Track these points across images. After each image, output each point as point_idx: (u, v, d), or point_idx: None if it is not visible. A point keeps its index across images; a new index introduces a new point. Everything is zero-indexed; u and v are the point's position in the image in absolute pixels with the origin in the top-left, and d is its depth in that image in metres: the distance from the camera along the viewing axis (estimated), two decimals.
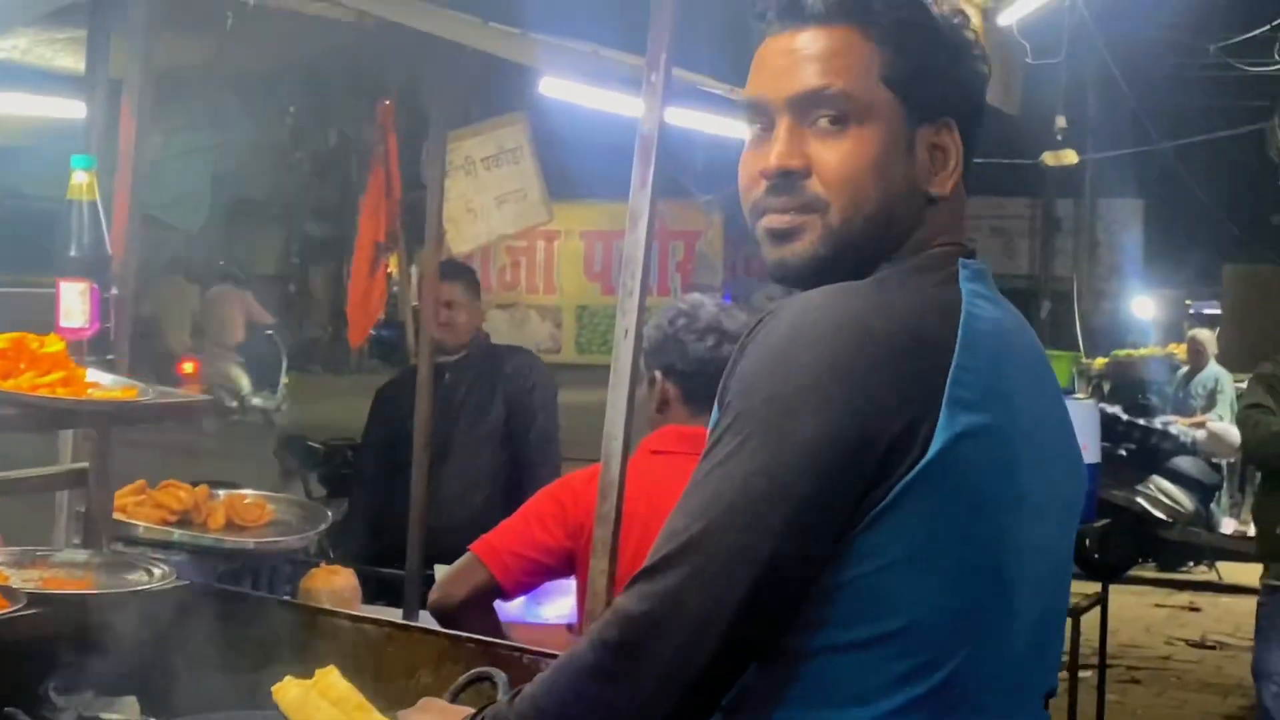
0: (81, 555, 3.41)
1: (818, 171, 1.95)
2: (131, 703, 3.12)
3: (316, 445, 9.79)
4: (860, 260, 1.96)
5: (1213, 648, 11.04)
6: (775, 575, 1.79)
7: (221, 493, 4.02)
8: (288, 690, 2.69)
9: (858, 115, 1.94)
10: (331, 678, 2.74)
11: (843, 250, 1.95)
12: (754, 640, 1.82)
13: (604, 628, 1.84)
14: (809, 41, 1.97)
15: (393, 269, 7.07)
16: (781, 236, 1.98)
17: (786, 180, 1.96)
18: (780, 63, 1.99)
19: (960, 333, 1.86)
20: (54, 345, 3.03)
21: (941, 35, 1.99)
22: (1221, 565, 13.39)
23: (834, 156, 1.95)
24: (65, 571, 3.27)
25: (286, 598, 3.85)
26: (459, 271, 6.29)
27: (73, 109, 5.16)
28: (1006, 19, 7.37)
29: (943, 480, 1.81)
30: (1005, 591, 1.91)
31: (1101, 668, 7.52)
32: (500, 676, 2.56)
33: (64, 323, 3.20)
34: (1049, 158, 8.78)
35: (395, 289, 7.34)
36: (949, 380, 1.82)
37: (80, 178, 3.24)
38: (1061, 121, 8.68)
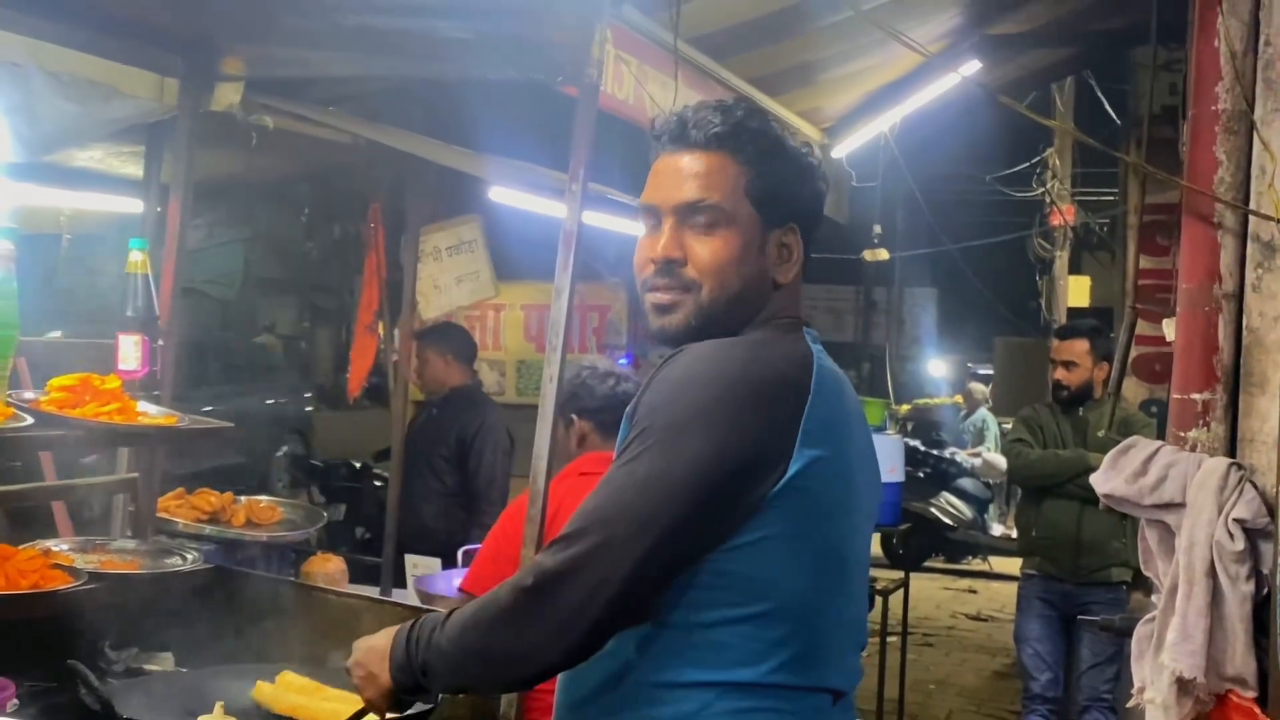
0: (131, 543, 3.34)
1: (692, 261, 1.95)
2: (168, 657, 3.05)
3: (318, 463, 9.66)
4: (722, 329, 1.95)
5: (985, 620, 11.09)
6: (659, 556, 1.78)
7: (243, 498, 3.95)
8: (262, 690, 2.64)
9: (725, 221, 1.95)
10: (289, 676, 2.69)
11: (709, 322, 1.95)
12: (637, 606, 1.81)
13: (521, 577, 1.82)
14: (691, 162, 1.97)
15: (380, 331, 6.97)
16: (664, 309, 1.98)
17: (669, 266, 1.96)
18: (668, 177, 1.99)
19: (814, 380, 1.87)
20: (113, 383, 2.98)
21: (791, 161, 2.00)
22: (993, 559, 13.49)
23: (706, 250, 1.95)
24: (118, 556, 3.21)
25: (291, 578, 3.78)
26: (429, 335, 6.23)
27: (132, 205, 5.08)
28: (839, 152, 7.44)
29: (798, 494, 1.81)
30: (844, 575, 1.93)
31: (904, 635, 7.52)
32: None
33: (121, 366, 3.15)
34: (868, 254, 8.88)
35: (382, 346, 7.23)
36: (804, 417, 1.82)
37: (136, 256, 3.19)
38: (878, 228, 8.79)
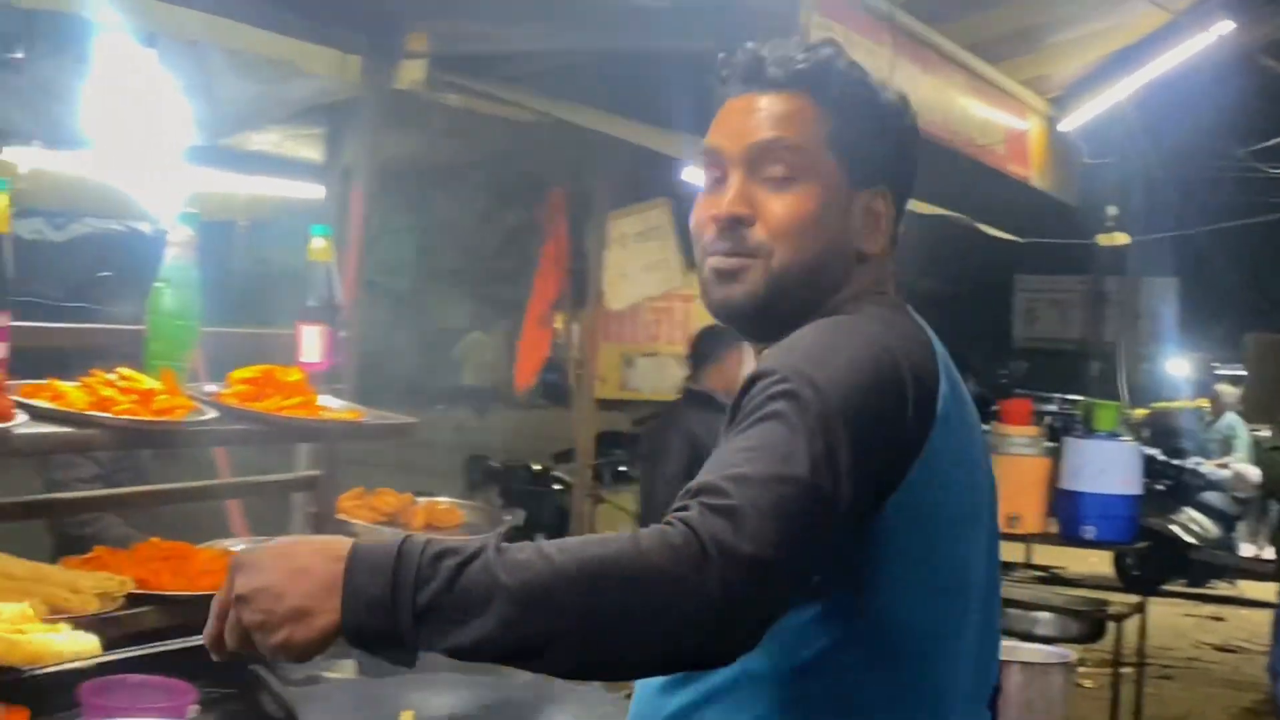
0: None
1: (763, 220, 1.77)
2: (349, 665, 3.15)
3: (496, 465, 9.87)
4: (794, 304, 1.79)
5: (1233, 651, 10.75)
6: (853, 509, 1.57)
7: (422, 499, 4.06)
8: None
9: (804, 172, 1.77)
10: None
11: (779, 294, 1.78)
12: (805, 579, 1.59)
13: (692, 535, 1.48)
14: (767, 104, 1.80)
15: (558, 325, 7.10)
16: (727, 277, 1.80)
17: (735, 226, 1.78)
18: (740, 119, 1.82)
19: (940, 365, 1.73)
20: (295, 375, 3.07)
21: (883, 112, 1.84)
22: (1242, 583, 13.03)
23: (780, 208, 1.77)
24: None
25: None
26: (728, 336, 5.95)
27: (309, 190, 5.27)
28: (1067, 125, 7.26)
29: (921, 501, 1.66)
30: (966, 603, 1.77)
31: (1140, 665, 7.33)
32: None
33: (303, 358, 3.24)
34: (1102, 239, 8.65)
35: (560, 340, 7.36)
36: (937, 406, 1.68)
37: (319, 243, 3.29)
38: (1113, 210, 8.54)
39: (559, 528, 8.89)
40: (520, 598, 1.42)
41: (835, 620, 1.66)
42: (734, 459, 1.55)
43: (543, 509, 9.33)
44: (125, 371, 2.74)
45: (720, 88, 1.88)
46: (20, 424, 2.39)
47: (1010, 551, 10.09)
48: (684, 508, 1.51)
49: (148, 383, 2.73)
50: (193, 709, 2.61)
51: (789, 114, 1.79)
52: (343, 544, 1.48)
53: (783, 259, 1.77)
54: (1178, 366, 24.06)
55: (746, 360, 5.61)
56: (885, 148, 1.84)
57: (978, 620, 1.79)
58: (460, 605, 1.43)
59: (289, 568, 1.46)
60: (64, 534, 4.42)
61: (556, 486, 9.36)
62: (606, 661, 1.50)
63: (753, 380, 1.64)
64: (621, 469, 9.53)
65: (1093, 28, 6.34)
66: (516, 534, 7.05)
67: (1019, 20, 5.95)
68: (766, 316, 1.80)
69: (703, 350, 5.73)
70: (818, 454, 1.53)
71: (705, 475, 1.55)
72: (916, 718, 1.71)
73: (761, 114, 1.80)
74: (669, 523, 1.49)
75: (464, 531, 3.99)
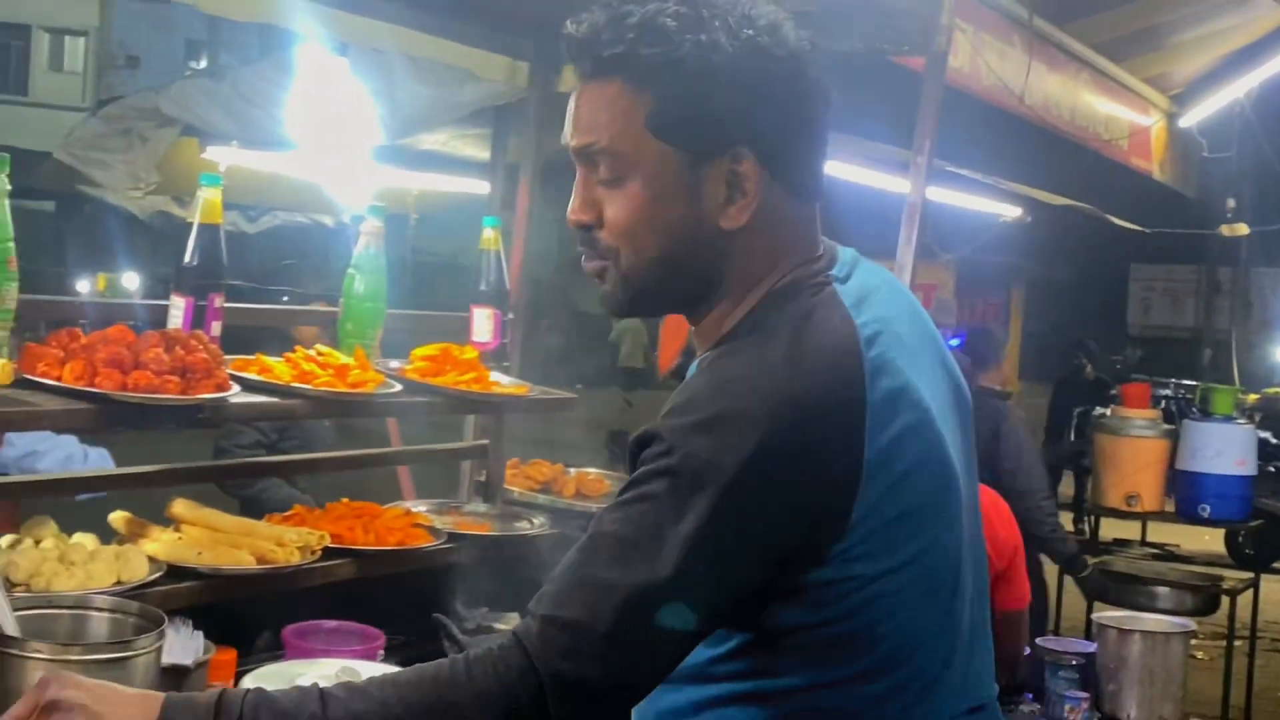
0: (482, 507, 3.55)
1: (606, 223, 1.57)
2: (514, 617, 3.23)
3: None
4: (668, 294, 1.62)
5: None
6: (710, 619, 1.47)
7: (573, 470, 4.14)
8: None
9: (627, 168, 1.54)
10: None
11: (639, 292, 1.60)
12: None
13: (514, 666, 1.42)
14: (584, 100, 1.57)
15: None
16: (594, 278, 1.62)
17: (585, 231, 1.60)
18: (569, 118, 1.60)
19: (866, 374, 1.47)
20: (469, 353, 3.18)
21: (717, 72, 1.50)
22: None
23: (614, 209, 1.56)
24: (471, 518, 3.41)
25: None
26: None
27: (473, 186, 5.38)
28: (1188, 121, 7.12)
29: (879, 529, 1.46)
30: (956, 586, 1.58)
31: (1253, 639, 7.16)
32: None
33: (475, 338, 3.34)
34: (1225, 230, 8.45)
35: None
36: (866, 439, 1.44)
37: (489, 233, 3.39)
38: (1231, 202, 8.35)
39: None
40: None
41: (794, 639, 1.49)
42: (592, 554, 1.44)
43: None
44: (323, 348, 2.86)
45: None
46: (234, 394, 2.51)
47: (1127, 529, 9.89)
48: (528, 623, 1.42)
49: (342, 358, 2.84)
50: (380, 653, 2.71)
51: (600, 109, 1.55)
52: (156, 696, 1.43)
53: (627, 259, 1.57)
54: None
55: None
56: (734, 107, 1.52)
57: (961, 622, 1.59)
58: None
59: (110, 698, 1.43)
60: (233, 495, 4.62)
61: None
62: None
63: (641, 444, 1.47)
64: None
65: (1213, 27, 6.21)
66: None
67: (1143, 20, 5.85)
68: (644, 307, 1.66)
69: (980, 354, 5.83)
70: (689, 546, 1.39)
71: (557, 579, 1.44)
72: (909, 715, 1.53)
73: (579, 112, 1.58)
74: (506, 643, 1.42)
75: (609, 500, 4.06)
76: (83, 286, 17.43)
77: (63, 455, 3.93)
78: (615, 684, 1.43)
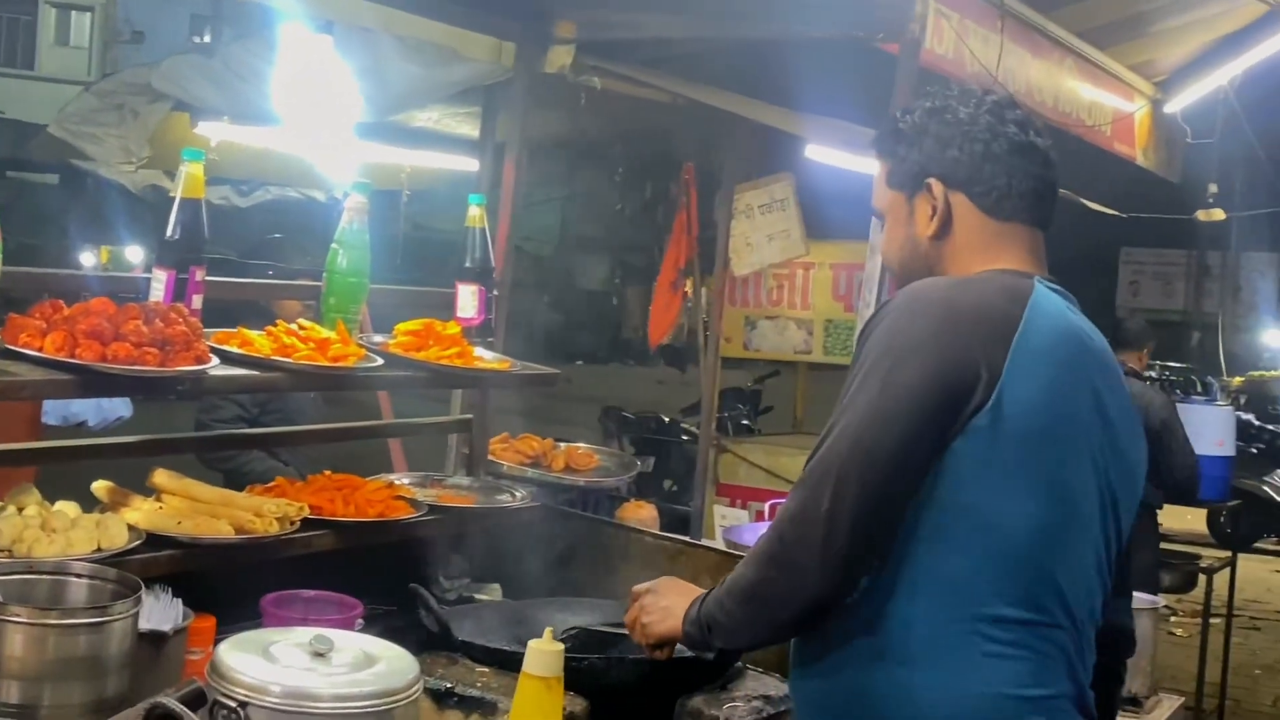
0: (465, 480, 3.56)
1: (883, 258, 2.28)
2: (496, 588, 3.25)
3: (630, 415, 9.96)
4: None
5: None
6: (888, 483, 1.88)
7: (562, 444, 4.14)
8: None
9: (883, 218, 2.21)
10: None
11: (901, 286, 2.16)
12: (879, 532, 1.91)
13: (775, 521, 1.99)
14: (874, 175, 2.24)
15: (688, 289, 7.15)
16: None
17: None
18: None
19: (1027, 312, 1.93)
20: (453, 329, 3.18)
21: (913, 126, 2.14)
22: None
23: (883, 246, 2.24)
24: (454, 491, 3.42)
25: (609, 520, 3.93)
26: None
27: (464, 164, 5.37)
28: (1172, 107, 7.10)
29: (1011, 420, 1.87)
30: (1076, 511, 1.96)
31: (1229, 616, 7.20)
32: None
33: (459, 314, 3.34)
34: (1201, 214, 8.40)
35: (689, 304, 7.40)
36: (1013, 346, 1.89)
37: (474, 211, 3.38)
38: (1213, 188, 8.31)
39: (685, 474, 8.97)
40: (725, 602, 2.07)
41: (929, 511, 1.90)
42: (817, 445, 1.96)
43: (670, 457, 9.40)
44: (304, 322, 2.86)
45: None
46: (213, 366, 2.51)
47: None
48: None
49: (324, 332, 2.84)
50: (358, 622, 2.72)
51: (876, 182, 2.22)
52: (695, 589, 2.24)
53: (891, 275, 2.27)
54: (1274, 337, 23.38)
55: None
56: (915, 151, 2.13)
57: (1087, 548, 1.98)
58: (717, 616, 2.09)
59: (673, 588, 2.29)
60: (215, 469, 4.61)
61: (685, 438, 9.43)
62: (775, 623, 2.02)
63: (864, 335, 2.01)
64: (744, 422, 9.56)
65: (1198, 15, 6.18)
66: (645, 479, 7.13)
67: (1127, 8, 5.83)
68: None
69: (1126, 339, 6.38)
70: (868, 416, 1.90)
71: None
72: (1019, 608, 1.89)
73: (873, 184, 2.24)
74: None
75: (599, 474, 4.07)
76: (87, 259, 17.39)
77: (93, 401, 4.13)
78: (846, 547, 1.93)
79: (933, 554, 1.90)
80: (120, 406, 4.79)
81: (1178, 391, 13.49)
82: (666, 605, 2.24)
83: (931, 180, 2.10)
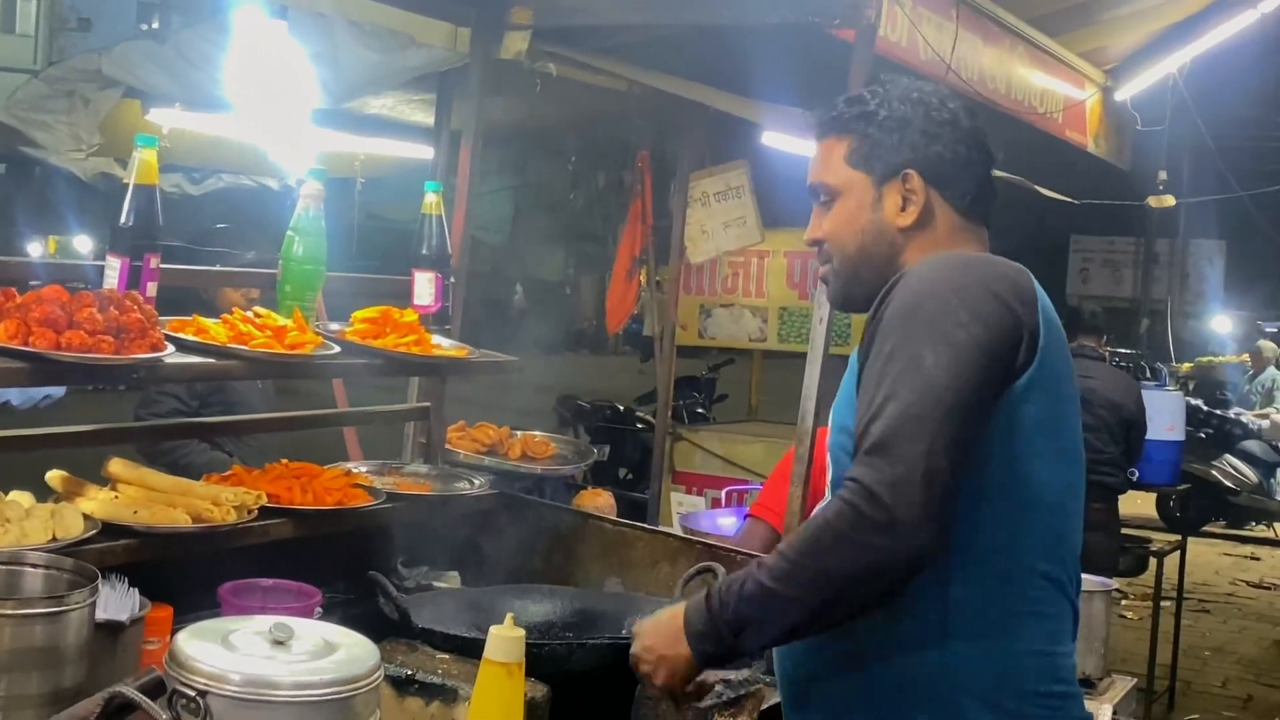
0: (423, 468, 3.55)
1: (825, 237, 2.19)
2: (454, 575, 3.24)
3: (585, 404, 9.96)
4: (865, 285, 2.14)
5: (1268, 588, 10.63)
6: (967, 428, 1.87)
7: (519, 433, 4.13)
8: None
9: (834, 195, 2.16)
10: None
11: (848, 281, 2.18)
12: (957, 487, 1.86)
13: (846, 497, 1.86)
14: (816, 152, 2.22)
15: (642, 278, 7.14)
16: (825, 281, 2.24)
17: (817, 246, 2.22)
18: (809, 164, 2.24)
19: (1034, 282, 2.01)
20: (410, 316, 3.17)
21: (895, 115, 2.13)
22: (1278, 525, 12.87)
23: (825, 225, 2.18)
24: (411, 479, 3.41)
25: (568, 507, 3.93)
26: None
27: (419, 151, 5.34)
28: (1122, 95, 7.18)
29: (1048, 375, 1.95)
30: (1080, 470, 2.06)
31: (1179, 599, 7.30)
32: (720, 569, 2.60)
33: (416, 301, 3.33)
34: (1153, 200, 8.50)
35: (644, 293, 7.39)
36: (1039, 304, 1.97)
37: (431, 198, 3.38)
38: (1163, 175, 8.41)
39: (640, 462, 8.98)
40: (780, 590, 1.88)
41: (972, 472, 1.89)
42: (878, 411, 1.88)
43: (625, 445, 9.42)
44: (260, 310, 2.84)
45: None
46: (169, 354, 2.49)
47: None
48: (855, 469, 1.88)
49: (280, 320, 2.82)
50: (317, 610, 2.70)
51: (820, 156, 2.19)
52: (679, 608, 2.04)
53: (837, 258, 2.18)
54: (1222, 323, 23.69)
55: None
56: (899, 141, 2.12)
57: (1080, 512, 2.06)
58: (754, 613, 1.93)
59: (650, 630, 2.08)
60: (154, 459, 4.51)
61: (639, 425, 9.45)
62: (867, 594, 1.89)
63: (873, 333, 1.98)
64: (700, 410, 9.58)
65: (1146, 3, 6.25)
66: (600, 467, 7.11)
67: None
68: (854, 299, 2.18)
69: (1093, 324, 6.66)
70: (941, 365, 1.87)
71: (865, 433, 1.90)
72: (1053, 565, 1.98)
73: (813, 161, 2.21)
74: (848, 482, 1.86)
75: (555, 461, 4.07)
76: (34, 249, 17.16)
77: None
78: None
79: (977, 513, 1.91)
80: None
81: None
82: (660, 654, 2.06)
83: (911, 172, 2.11)
